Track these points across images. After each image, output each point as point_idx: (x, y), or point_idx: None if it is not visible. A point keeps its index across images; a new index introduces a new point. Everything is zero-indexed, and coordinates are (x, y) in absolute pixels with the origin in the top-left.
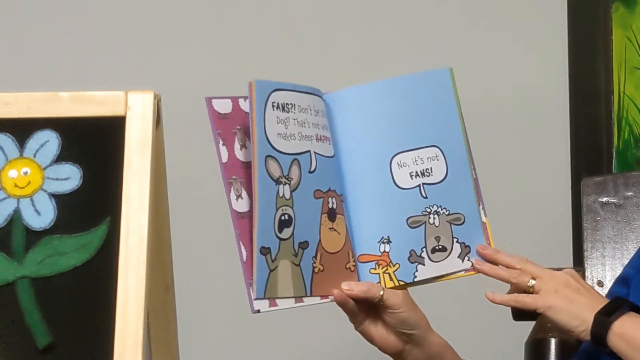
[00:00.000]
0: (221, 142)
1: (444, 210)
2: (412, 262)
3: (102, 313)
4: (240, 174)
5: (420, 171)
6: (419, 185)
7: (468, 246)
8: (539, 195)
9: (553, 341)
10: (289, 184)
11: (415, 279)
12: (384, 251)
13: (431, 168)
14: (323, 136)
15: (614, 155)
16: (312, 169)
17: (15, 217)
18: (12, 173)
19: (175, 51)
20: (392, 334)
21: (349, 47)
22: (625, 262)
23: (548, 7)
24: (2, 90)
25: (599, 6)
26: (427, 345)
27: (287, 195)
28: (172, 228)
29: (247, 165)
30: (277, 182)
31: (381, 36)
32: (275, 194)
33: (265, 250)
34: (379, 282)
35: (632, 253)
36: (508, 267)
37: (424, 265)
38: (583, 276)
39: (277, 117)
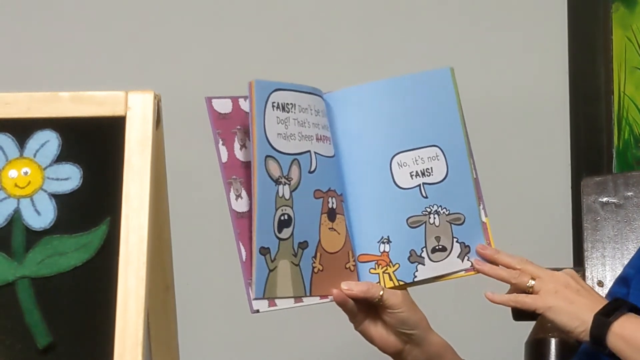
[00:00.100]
0: (221, 142)
1: (444, 210)
2: (412, 262)
3: (102, 313)
4: (240, 173)
5: (421, 171)
6: (419, 185)
7: (468, 246)
8: (539, 195)
9: (553, 341)
10: (289, 184)
11: (415, 279)
12: (384, 251)
13: (431, 168)
14: (323, 136)
15: (614, 155)
16: (312, 169)
17: (16, 217)
18: (12, 173)
19: (175, 51)
20: (392, 333)
21: (349, 47)
22: (625, 262)
23: (548, 7)
24: (2, 90)
25: (599, 6)
26: (427, 345)
27: (287, 196)
28: (172, 228)
29: (247, 165)
30: (277, 182)
31: (381, 36)
32: (274, 194)
33: (264, 250)
34: (379, 282)
35: (632, 253)
36: (508, 267)
37: (424, 265)
38: (583, 276)
39: (277, 117)
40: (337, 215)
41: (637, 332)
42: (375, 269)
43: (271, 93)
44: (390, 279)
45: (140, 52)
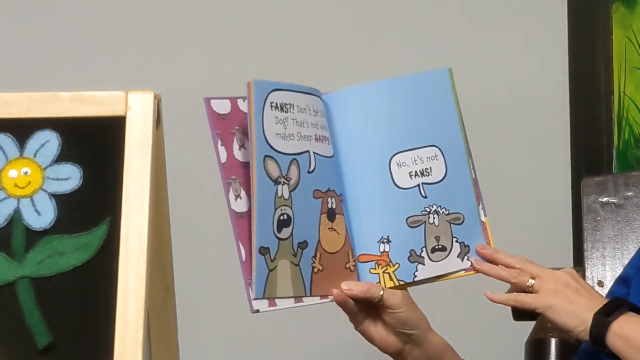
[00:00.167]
0: (220, 143)
1: (444, 209)
2: (412, 262)
3: (102, 313)
4: (239, 174)
5: (420, 171)
6: (418, 185)
7: (467, 246)
8: (539, 195)
9: (553, 341)
10: (288, 184)
11: (415, 279)
12: (384, 251)
13: (430, 168)
14: (322, 136)
15: (614, 155)
16: (311, 169)
17: (16, 217)
18: (12, 173)
19: (175, 51)
20: (392, 333)
21: (349, 47)
22: (626, 262)
23: (548, 7)
24: (2, 90)
25: (599, 6)
26: (427, 345)
27: (286, 195)
28: (172, 228)
29: (246, 166)
30: (276, 182)
31: (381, 36)
32: (273, 194)
33: (264, 250)
34: (379, 282)
35: (632, 253)
36: (507, 266)
37: (423, 265)
38: (583, 276)
39: (276, 117)
40: (337, 215)
41: (637, 332)
42: (375, 268)
43: (269, 93)
44: (390, 279)
45: (140, 52)
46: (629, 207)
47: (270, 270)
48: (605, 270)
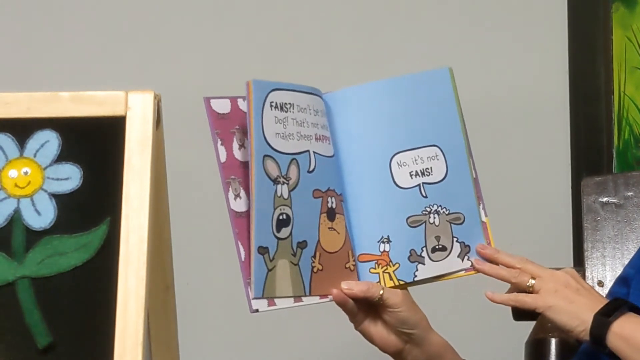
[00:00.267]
0: (219, 142)
1: (444, 209)
2: (412, 262)
3: (102, 313)
4: (239, 173)
5: (420, 170)
6: (418, 185)
7: (468, 246)
8: (539, 195)
9: (553, 341)
10: (287, 184)
11: (416, 279)
12: (384, 251)
13: (431, 167)
14: (322, 136)
15: (614, 155)
16: (311, 168)
17: (16, 217)
18: (12, 173)
19: (175, 51)
20: (392, 333)
21: (349, 47)
22: (626, 262)
23: (548, 7)
24: (2, 90)
25: (599, 6)
26: (427, 344)
27: (285, 195)
28: (172, 228)
29: (246, 165)
30: (275, 181)
31: (381, 36)
32: (273, 194)
33: (263, 250)
34: (379, 281)
35: (632, 253)
36: (508, 266)
37: (424, 264)
38: (583, 276)
39: (275, 116)
40: (337, 215)
41: (637, 332)
42: (375, 268)
43: (269, 93)
44: (391, 279)
45: (140, 52)
46: (629, 207)
47: (269, 270)
48: (605, 270)
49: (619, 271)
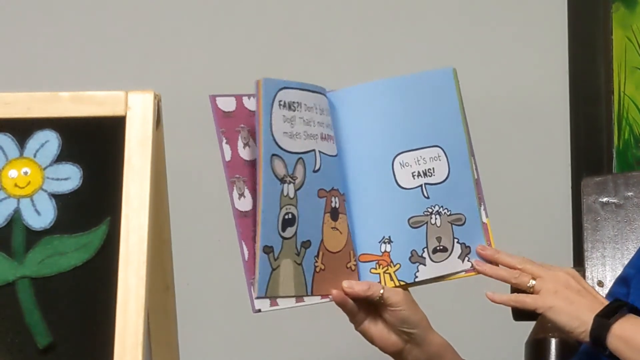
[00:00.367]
0: (225, 141)
1: (445, 210)
2: (413, 262)
3: (102, 313)
4: (243, 172)
5: (423, 171)
6: (421, 186)
7: (468, 247)
8: (539, 195)
9: (553, 341)
10: (294, 183)
11: (416, 279)
12: (385, 251)
13: (433, 168)
14: (327, 135)
15: (614, 155)
16: (317, 168)
17: (16, 217)
18: (12, 173)
19: (175, 51)
20: (393, 333)
21: (349, 47)
22: (626, 262)
23: (548, 7)
24: (2, 90)
25: (599, 6)
26: (428, 344)
27: (292, 194)
28: (172, 228)
29: (250, 164)
30: (282, 181)
31: (381, 36)
32: (279, 193)
33: (268, 249)
34: (380, 282)
35: (632, 253)
36: (508, 267)
37: (425, 265)
38: (583, 276)
39: (284, 115)
40: (340, 215)
41: (637, 334)
42: (376, 269)
43: (278, 91)
44: (391, 279)
45: (140, 52)
46: (629, 207)
47: (273, 269)
48: (605, 270)
49: (619, 271)
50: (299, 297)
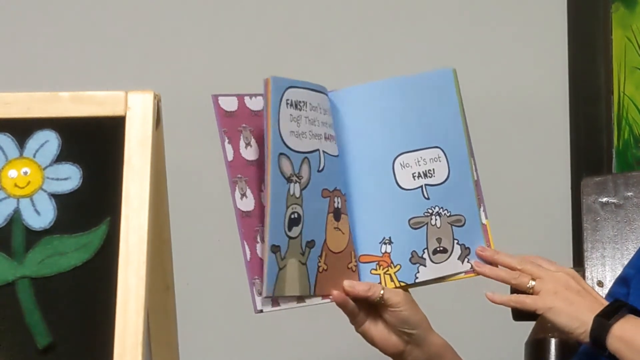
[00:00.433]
0: (227, 141)
1: (445, 211)
2: (413, 263)
3: (102, 313)
4: (245, 172)
5: (423, 172)
6: (421, 186)
7: (468, 248)
8: (539, 195)
9: (553, 341)
10: (299, 183)
11: (417, 280)
12: (385, 252)
13: (433, 169)
14: (330, 135)
15: (614, 156)
16: (321, 167)
17: (15, 217)
18: (12, 173)
19: (175, 51)
20: (393, 334)
21: (349, 47)
22: (625, 262)
23: (548, 7)
24: (2, 90)
25: (599, 6)
26: (428, 345)
27: (297, 194)
28: (172, 228)
29: (252, 164)
30: (289, 180)
31: (381, 36)
32: (286, 192)
33: (275, 249)
34: (380, 283)
35: (632, 253)
36: (508, 267)
37: (425, 266)
38: (583, 276)
39: (291, 114)
40: (342, 215)
41: (637, 335)
42: (376, 269)
43: (285, 90)
44: (392, 280)
45: (140, 52)
46: (629, 207)
47: (280, 269)
48: (605, 271)
49: (618, 271)
50: (300, 299)
